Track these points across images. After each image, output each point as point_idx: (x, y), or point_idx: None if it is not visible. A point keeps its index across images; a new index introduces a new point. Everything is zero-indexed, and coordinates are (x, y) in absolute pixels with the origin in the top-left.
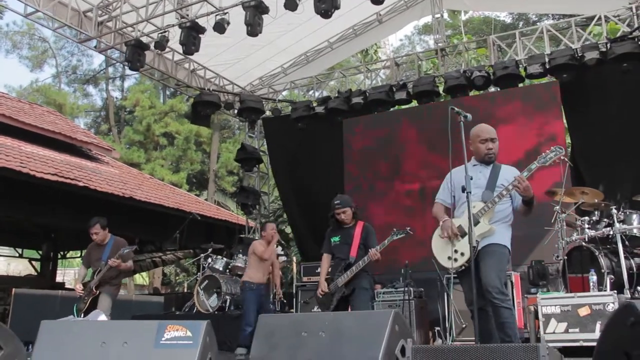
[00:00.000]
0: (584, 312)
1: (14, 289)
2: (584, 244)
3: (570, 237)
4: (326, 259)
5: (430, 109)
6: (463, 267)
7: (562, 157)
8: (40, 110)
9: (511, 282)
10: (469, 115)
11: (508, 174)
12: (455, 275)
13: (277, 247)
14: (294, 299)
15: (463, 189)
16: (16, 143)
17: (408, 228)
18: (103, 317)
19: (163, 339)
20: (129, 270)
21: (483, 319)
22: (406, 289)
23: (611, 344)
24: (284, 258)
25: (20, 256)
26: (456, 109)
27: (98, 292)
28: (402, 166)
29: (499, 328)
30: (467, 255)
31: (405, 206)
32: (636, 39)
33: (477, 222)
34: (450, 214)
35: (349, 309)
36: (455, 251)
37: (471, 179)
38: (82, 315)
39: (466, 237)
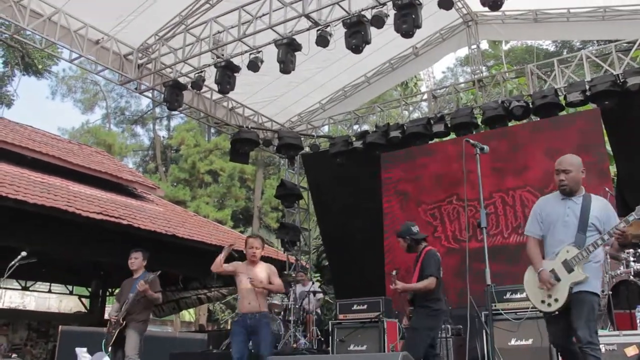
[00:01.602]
0: (631, 351)
1: (60, 326)
2: (630, 278)
3: (615, 271)
4: None
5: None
6: (556, 313)
7: None
8: (89, 151)
9: None
10: (486, 147)
11: (598, 210)
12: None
13: (313, 283)
14: (330, 337)
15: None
16: (64, 183)
17: (394, 272)
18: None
19: None
20: (157, 300)
21: (569, 356)
22: (444, 326)
23: None
24: (320, 295)
25: (71, 293)
26: (471, 141)
27: (124, 323)
28: (440, 199)
29: None
30: (560, 302)
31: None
32: None
33: (570, 270)
34: (542, 246)
35: None
36: (549, 296)
37: (487, 213)
38: (109, 349)
39: (561, 284)
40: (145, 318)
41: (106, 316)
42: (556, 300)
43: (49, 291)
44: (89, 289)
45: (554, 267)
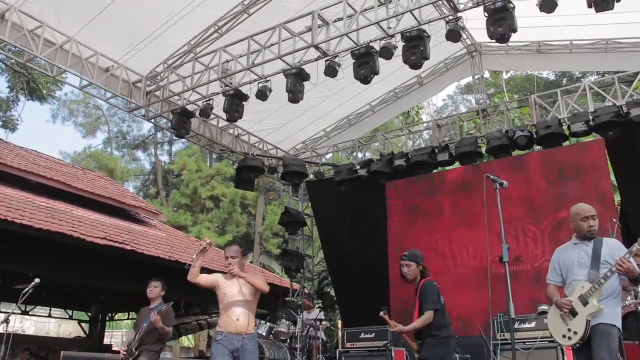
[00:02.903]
0: None
1: (62, 352)
2: (639, 308)
3: (624, 302)
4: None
5: (475, 171)
6: (578, 345)
7: None
8: (92, 176)
9: (562, 350)
10: (505, 182)
11: (611, 249)
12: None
13: (319, 311)
14: None
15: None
16: (69, 208)
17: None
18: None
19: None
20: (166, 334)
21: None
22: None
23: None
24: (325, 323)
25: (71, 318)
26: (492, 176)
27: (138, 353)
28: (446, 229)
29: None
30: (579, 334)
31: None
32: None
33: (586, 303)
34: (563, 293)
35: None
36: (569, 330)
37: (508, 248)
38: None
39: (578, 317)
40: (159, 349)
41: (106, 341)
42: (575, 333)
43: (49, 316)
44: (89, 314)
45: (570, 300)
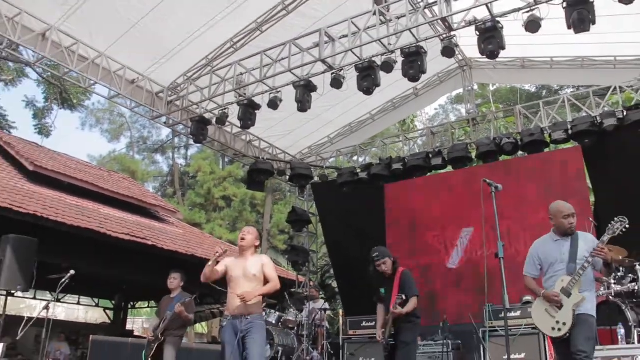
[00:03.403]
0: None
1: (91, 336)
2: (610, 298)
3: (597, 292)
4: (380, 309)
5: (465, 174)
6: (568, 335)
7: (627, 226)
8: (117, 177)
9: (544, 336)
10: (500, 186)
11: (586, 243)
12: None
13: (324, 302)
14: (341, 351)
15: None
16: (96, 206)
17: (403, 295)
18: None
19: None
20: (189, 321)
21: None
22: (445, 341)
23: None
24: (329, 312)
25: (97, 305)
26: (488, 180)
27: (163, 338)
28: (439, 227)
29: None
30: (568, 325)
31: (439, 266)
32: None
33: (569, 294)
34: (541, 284)
35: None
36: (557, 322)
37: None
38: None
39: (564, 309)
40: (182, 334)
41: (128, 326)
42: (564, 324)
43: (78, 303)
44: (113, 302)
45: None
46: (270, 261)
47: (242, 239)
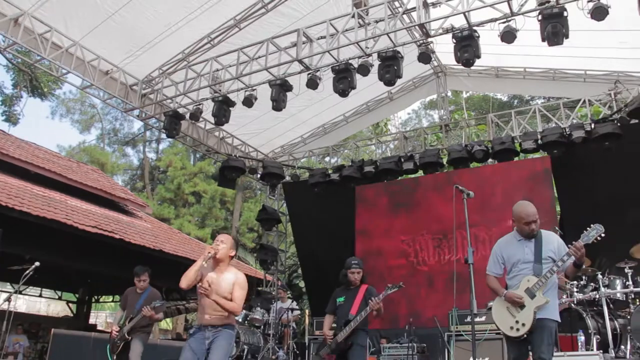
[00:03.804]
0: None
1: (53, 330)
2: (572, 305)
3: (560, 300)
4: (328, 319)
5: (436, 179)
6: (524, 336)
7: (602, 235)
8: (86, 169)
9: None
10: (472, 193)
11: (551, 243)
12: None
13: (291, 301)
14: (307, 351)
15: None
16: (63, 197)
17: (401, 283)
18: None
19: None
20: (158, 320)
21: None
22: (410, 344)
23: None
24: (297, 312)
25: (59, 298)
26: (460, 187)
27: (130, 337)
28: (409, 230)
29: None
30: (527, 326)
31: (407, 268)
32: (615, 121)
33: (533, 296)
34: (504, 283)
35: None
36: (517, 322)
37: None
38: (114, 357)
39: (525, 309)
40: (149, 330)
41: (91, 320)
42: (523, 324)
43: (40, 295)
44: (76, 295)
45: (519, 294)
46: (244, 281)
47: (216, 249)
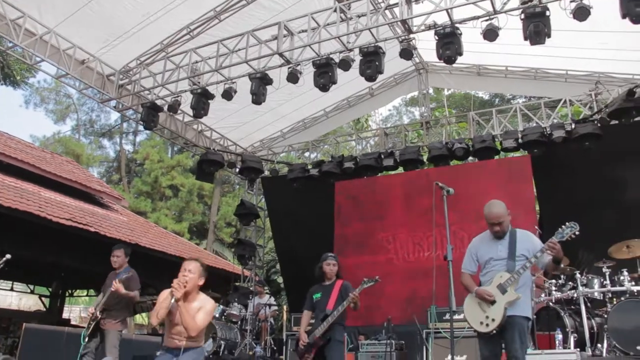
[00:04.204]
0: None
1: (24, 324)
2: (551, 304)
3: (539, 298)
4: (306, 315)
5: (416, 176)
6: (494, 332)
7: (576, 233)
8: (60, 160)
9: None
10: (452, 190)
11: (525, 241)
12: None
13: (269, 297)
14: (284, 347)
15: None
16: (36, 189)
17: (377, 277)
18: None
19: None
20: (134, 298)
21: None
22: (388, 341)
23: None
24: (275, 307)
25: (32, 292)
26: (440, 184)
27: (104, 315)
28: (388, 227)
29: None
30: (497, 321)
31: (387, 265)
32: (595, 122)
33: (504, 291)
34: (478, 280)
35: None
36: (487, 317)
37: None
38: (86, 339)
39: (496, 305)
40: (123, 318)
41: (65, 315)
42: (493, 320)
43: (11, 289)
44: (50, 289)
45: (490, 291)
46: (210, 307)
47: (184, 282)
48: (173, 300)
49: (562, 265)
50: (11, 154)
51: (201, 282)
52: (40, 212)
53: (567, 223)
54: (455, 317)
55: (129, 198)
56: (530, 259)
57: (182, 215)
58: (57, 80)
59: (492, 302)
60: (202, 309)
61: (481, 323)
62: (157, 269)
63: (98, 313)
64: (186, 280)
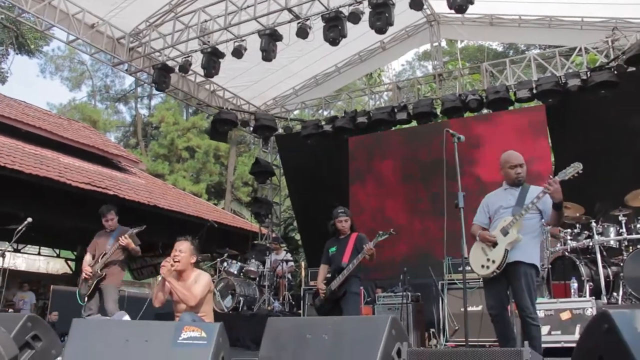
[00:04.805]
0: (565, 316)
1: (52, 286)
2: (566, 253)
3: (554, 248)
4: (323, 269)
5: (429, 129)
6: (494, 274)
7: (579, 172)
8: (77, 126)
9: None
10: (462, 137)
11: (535, 194)
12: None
13: (286, 253)
14: (302, 301)
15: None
16: (55, 155)
17: (392, 229)
18: (127, 318)
19: (180, 338)
20: (138, 252)
21: (501, 323)
22: (404, 293)
23: (588, 348)
24: (291, 263)
25: (58, 256)
26: (451, 131)
27: (104, 274)
28: (402, 180)
29: (527, 341)
30: (497, 263)
31: (405, 216)
32: (612, 69)
33: (506, 233)
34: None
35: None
36: (488, 259)
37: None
38: (85, 300)
39: (497, 247)
40: (121, 276)
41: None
42: (493, 261)
43: (39, 254)
44: (75, 253)
45: (493, 233)
46: (206, 281)
47: (176, 261)
48: (160, 278)
49: (577, 215)
50: (29, 121)
51: (193, 260)
52: (60, 178)
53: (572, 164)
54: (469, 268)
55: (147, 161)
56: (533, 200)
57: (199, 176)
58: (69, 46)
59: (494, 245)
60: (197, 282)
61: (482, 266)
62: (176, 230)
63: (99, 271)
64: (177, 259)
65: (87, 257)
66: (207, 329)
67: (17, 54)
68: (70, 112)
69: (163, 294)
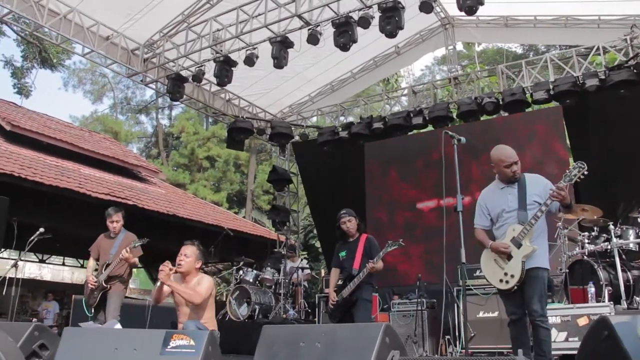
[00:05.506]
0: (582, 322)
1: (73, 296)
2: (584, 257)
3: (572, 252)
4: (334, 273)
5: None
6: (515, 288)
7: (585, 172)
8: (98, 137)
9: None
10: (463, 139)
11: (535, 187)
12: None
13: (302, 260)
14: (317, 309)
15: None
16: (76, 166)
17: (401, 240)
18: (118, 326)
19: (169, 347)
20: (135, 265)
21: (519, 327)
22: (419, 300)
23: (588, 355)
24: (308, 271)
25: (82, 266)
26: (450, 132)
27: (109, 286)
28: (420, 186)
29: (536, 344)
30: (516, 277)
31: (421, 223)
32: (631, 68)
33: (519, 245)
34: (491, 235)
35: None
36: (506, 274)
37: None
38: (92, 310)
39: (513, 260)
40: (127, 284)
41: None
42: (512, 276)
43: (63, 264)
44: (98, 263)
45: (506, 244)
46: (209, 284)
47: (180, 264)
48: (158, 283)
49: (595, 217)
50: (51, 134)
51: (198, 265)
52: (80, 189)
53: (574, 164)
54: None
55: (168, 171)
56: (541, 207)
57: (220, 185)
58: (86, 58)
59: (509, 257)
60: (200, 284)
61: (501, 280)
62: (196, 239)
63: (103, 283)
64: (180, 263)
65: (91, 263)
66: (196, 337)
67: (40, 68)
68: (92, 124)
69: (161, 297)
